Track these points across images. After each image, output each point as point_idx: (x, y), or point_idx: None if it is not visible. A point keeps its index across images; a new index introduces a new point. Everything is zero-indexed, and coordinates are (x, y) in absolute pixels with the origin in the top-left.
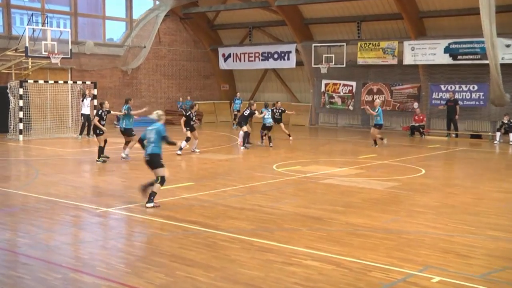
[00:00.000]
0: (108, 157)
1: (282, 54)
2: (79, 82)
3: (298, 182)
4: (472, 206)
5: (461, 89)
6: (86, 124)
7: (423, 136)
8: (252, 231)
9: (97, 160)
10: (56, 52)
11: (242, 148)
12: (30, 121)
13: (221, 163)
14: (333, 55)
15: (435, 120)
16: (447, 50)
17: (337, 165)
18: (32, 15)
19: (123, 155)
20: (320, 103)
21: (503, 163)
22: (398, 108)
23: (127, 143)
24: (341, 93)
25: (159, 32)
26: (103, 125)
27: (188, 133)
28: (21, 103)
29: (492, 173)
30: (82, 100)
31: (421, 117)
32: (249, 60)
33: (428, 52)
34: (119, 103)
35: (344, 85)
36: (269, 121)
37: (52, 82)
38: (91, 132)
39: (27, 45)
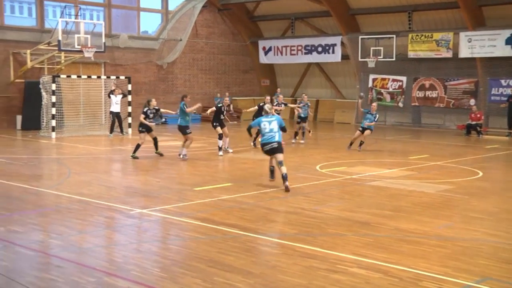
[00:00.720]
0: (162, 154)
1: (327, 47)
2: (113, 77)
3: (344, 184)
4: None
5: None
6: (116, 121)
7: (481, 135)
8: (294, 236)
9: (131, 155)
10: (89, 45)
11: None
12: (62, 117)
13: (262, 163)
14: (382, 48)
15: (494, 118)
16: (508, 41)
17: (386, 166)
18: (65, 7)
19: (183, 153)
20: (367, 100)
21: None
22: (452, 105)
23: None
24: (390, 89)
25: (196, 24)
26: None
27: (219, 129)
28: (53, 99)
29: None
30: (109, 96)
31: (478, 115)
32: (291, 54)
33: (487, 43)
34: (154, 99)
35: (393, 80)
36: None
37: (85, 77)
38: (124, 130)
39: (60, 38)
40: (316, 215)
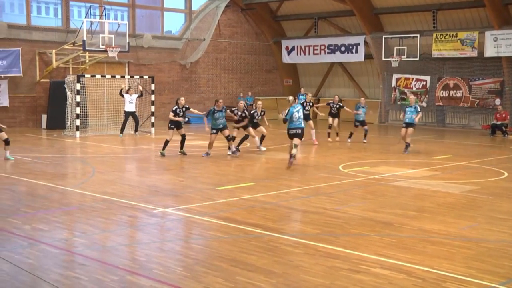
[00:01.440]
0: (185, 154)
1: (350, 47)
2: (136, 77)
3: (366, 184)
4: None
5: None
6: (132, 121)
7: (506, 135)
8: (317, 236)
9: (160, 152)
10: (113, 45)
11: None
12: (86, 117)
13: (284, 162)
14: (406, 48)
15: None
16: None
17: (409, 166)
18: (90, 7)
19: (231, 151)
20: (390, 99)
21: None
22: (477, 105)
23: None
24: (414, 89)
25: (219, 24)
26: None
27: (251, 131)
28: (78, 98)
29: None
30: (121, 95)
31: (503, 115)
32: (314, 53)
33: None
34: (177, 98)
35: (417, 79)
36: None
37: (109, 76)
38: (139, 129)
39: (84, 38)
40: (339, 215)
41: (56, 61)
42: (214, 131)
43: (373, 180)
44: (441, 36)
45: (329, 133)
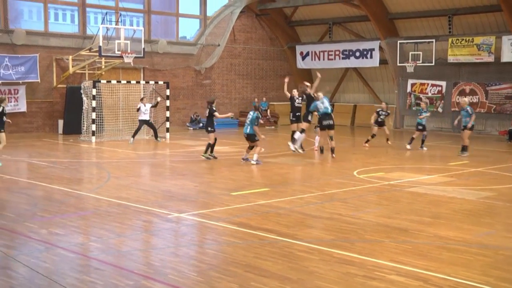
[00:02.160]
0: (216, 157)
1: (365, 52)
2: (152, 82)
3: (381, 189)
4: None
5: None
6: (147, 128)
7: None
8: (331, 242)
9: (202, 155)
10: (129, 51)
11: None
12: (102, 122)
13: (298, 168)
14: (421, 53)
15: None
16: None
17: (425, 172)
18: (106, 13)
19: (251, 160)
20: (405, 105)
21: None
22: (494, 111)
23: (250, 147)
24: (429, 94)
25: (233, 29)
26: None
27: (304, 125)
28: (94, 103)
29: None
30: (138, 110)
31: None
32: (328, 59)
33: None
34: (191, 104)
35: (432, 85)
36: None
37: (125, 82)
38: (159, 136)
39: (100, 44)
40: (354, 221)
41: (72, 66)
42: (257, 137)
43: (388, 186)
44: (457, 41)
45: (412, 139)
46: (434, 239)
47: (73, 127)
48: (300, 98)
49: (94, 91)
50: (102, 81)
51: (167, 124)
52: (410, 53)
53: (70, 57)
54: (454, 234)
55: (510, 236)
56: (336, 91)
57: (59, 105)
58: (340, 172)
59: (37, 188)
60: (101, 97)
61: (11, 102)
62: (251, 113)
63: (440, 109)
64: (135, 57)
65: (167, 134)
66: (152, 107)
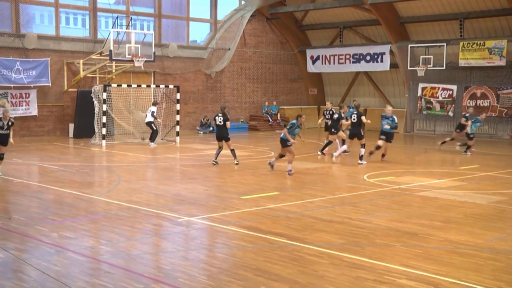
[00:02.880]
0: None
1: (375, 56)
2: (162, 86)
3: (392, 194)
4: None
5: None
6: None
7: None
8: (342, 246)
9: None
10: (139, 55)
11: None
12: (113, 126)
13: (309, 172)
14: (432, 57)
15: None
16: None
17: (435, 176)
18: (117, 18)
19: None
20: (416, 109)
21: None
22: (505, 114)
23: (281, 155)
24: (440, 98)
25: (244, 33)
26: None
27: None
28: (104, 107)
29: None
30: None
31: None
32: (339, 63)
33: None
34: (202, 107)
35: (443, 89)
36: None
37: (135, 86)
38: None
39: (111, 48)
40: (364, 225)
41: (83, 70)
42: (290, 143)
43: (399, 190)
44: (468, 45)
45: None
46: (445, 244)
47: (84, 131)
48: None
49: (104, 95)
50: (112, 85)
51: (177, 128)
52: (421, 57)
53: (81, 61)
54: (465, 239)
55: None
56: (346, 95)
57: (70, 109)
58: (351, 176)
59: (48, 192)
60: (111, 101)
61: (22, 105)
62: (294, 121)
63: (451, 113)
64: (146, 61)
65: (177, 138)
66: (152, 114)
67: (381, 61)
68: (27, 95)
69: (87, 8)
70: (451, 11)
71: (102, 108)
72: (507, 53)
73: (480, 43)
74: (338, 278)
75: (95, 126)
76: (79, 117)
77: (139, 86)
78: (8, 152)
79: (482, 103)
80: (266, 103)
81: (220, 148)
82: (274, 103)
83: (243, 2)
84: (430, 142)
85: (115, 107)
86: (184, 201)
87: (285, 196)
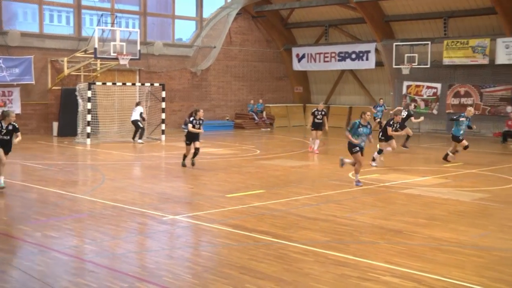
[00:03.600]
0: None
1: (361, 54)
2: (147, 84)
3: (376, 191)
4: None
5: None
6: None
7: None
8: (327, 243)
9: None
10: (124, 53)
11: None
12: (97, 124)
13: (294, 170)
14: (416, 55)
15: None
16: None
17: (419, 173)
18: (101, 15)
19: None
20: (401, 107)
21: None
22: (488, 112)
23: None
24: (425, 96)
25: (230, 31)
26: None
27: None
28: (89, 105)
29: None
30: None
31: None
32: (324, 61)
33: None
34: (187, 106)
35: (428, 87)
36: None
37: (120, 84)
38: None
39: (96, 46)
40: (349, 222)
41: (67, 68)
42: (358, 148)
43: (383, 187)
44: (452, 44)
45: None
46: (429, 241)
47: (68, 129)
48: None
49: (89, 93)
50: (97, 83)
51: (163, 126)
52: (406, 55)
53: (65, 59)
54: (448, 236)
55: (504, 237)
56: (332, 93)
57: (54, 107)
58: (336, 174)
59: (32, 191)
60: (96, 99)
61: (5, 104)
62: (357, 120)
63: (435, 111)
64: (131, 59)
65: (163, 136)
66: (141, 114)
67: (367, 59)
68: (10, 93)
69: (72, 6)
70: (435, 10)
71: (86, 106)
72: (490, 52)
73: (463, 42)
74: (323, 276)
75: (79, 124)
76: (64, 115)
77: (124, 84)
78: None
79: (466, 101)
80: (252, 101)
81: (195, 149)
82: (260, 101)
83: (228, 0)
84: (415, 140)
85: (99, 105)
86: (169, 200)
87: (270, 194)
